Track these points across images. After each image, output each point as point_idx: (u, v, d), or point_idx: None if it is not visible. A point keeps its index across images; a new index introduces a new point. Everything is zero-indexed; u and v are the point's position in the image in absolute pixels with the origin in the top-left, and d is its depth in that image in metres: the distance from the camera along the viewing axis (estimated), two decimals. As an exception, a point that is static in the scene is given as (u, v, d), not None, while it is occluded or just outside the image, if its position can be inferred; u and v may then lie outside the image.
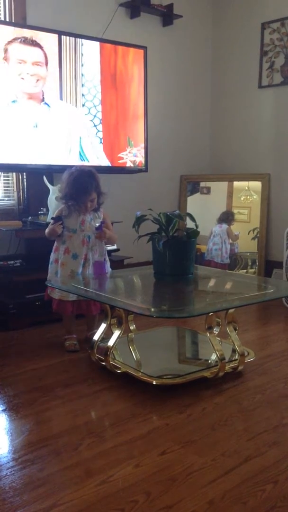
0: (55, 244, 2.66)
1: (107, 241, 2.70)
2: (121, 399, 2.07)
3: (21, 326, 2.98)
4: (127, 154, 3.61)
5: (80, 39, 3.29)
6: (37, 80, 3.14)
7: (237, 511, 1.38)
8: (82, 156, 3.39)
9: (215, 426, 1.85)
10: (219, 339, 2.36)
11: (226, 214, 4.19)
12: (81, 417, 1.93)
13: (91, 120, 3.43)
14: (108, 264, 2.73)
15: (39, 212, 3.25)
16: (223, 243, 4.14)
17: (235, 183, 4.19)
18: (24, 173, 3.36)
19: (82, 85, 3.35)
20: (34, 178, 3.30)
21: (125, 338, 2.56)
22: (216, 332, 2.41)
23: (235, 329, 2.34)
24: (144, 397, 2.08)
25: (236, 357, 2.31)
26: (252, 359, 2.42)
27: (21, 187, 3.41)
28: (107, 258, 2.74)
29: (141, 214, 2.50)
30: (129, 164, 3.62)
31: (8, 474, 1.56)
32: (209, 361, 2.35)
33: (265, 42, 4.01)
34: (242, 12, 4.15)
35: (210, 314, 2.16)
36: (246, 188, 4.15)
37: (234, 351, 2.35)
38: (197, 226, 2.48)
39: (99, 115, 3.46)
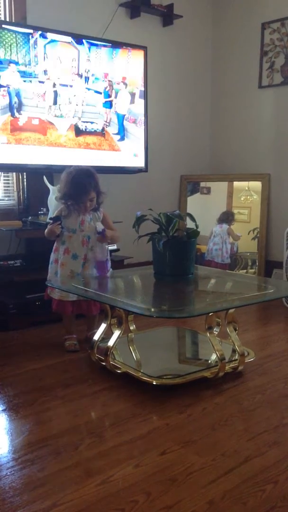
0: (55, 244, 2.66)
1: (110, 241, 2.69)
2: (121, 399, 2.07)
3: (21, 326, 2.98)
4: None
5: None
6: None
7: (237, 511, 1.38)
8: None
9: (215, 426, 1.85)
10: (219, 339, 2.36)
11: (226, 214, 4.19)
12: (81, 417, 1.93)
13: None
14: (109, 263, 2.73)
15: (39, 212, 3.25)
16: (223, 243, 4.13)
17: (235, 183, 4.19)
18: (24, 173, 3.36)
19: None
20: (34, 178, 3.30)
21: (125, 338, 2.56)
22: (216, 332, 2.41)
23: (235, 329, 2.34)
24: (144, 397, 2.07)
25: (236, 357, 2.31)
26: (252, 359, 2.42)
27: (21, 187, 3.40)
28: (109, 258, 2.74)
29: (141, 214, 2.50)
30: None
31: (8, 474, 1.56)
32: (209, 361, 2.35)
33: (265, 42, 4.00)
34: (242, 12, 4.15)
35: (210, 314, 2.16)
36: (246, 188, 4.15)
37: (234, 351, 2.35)
38: (197, 226, 2.48)
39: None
